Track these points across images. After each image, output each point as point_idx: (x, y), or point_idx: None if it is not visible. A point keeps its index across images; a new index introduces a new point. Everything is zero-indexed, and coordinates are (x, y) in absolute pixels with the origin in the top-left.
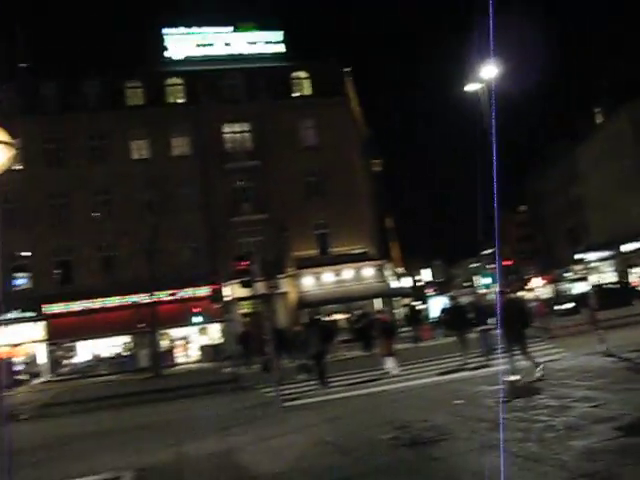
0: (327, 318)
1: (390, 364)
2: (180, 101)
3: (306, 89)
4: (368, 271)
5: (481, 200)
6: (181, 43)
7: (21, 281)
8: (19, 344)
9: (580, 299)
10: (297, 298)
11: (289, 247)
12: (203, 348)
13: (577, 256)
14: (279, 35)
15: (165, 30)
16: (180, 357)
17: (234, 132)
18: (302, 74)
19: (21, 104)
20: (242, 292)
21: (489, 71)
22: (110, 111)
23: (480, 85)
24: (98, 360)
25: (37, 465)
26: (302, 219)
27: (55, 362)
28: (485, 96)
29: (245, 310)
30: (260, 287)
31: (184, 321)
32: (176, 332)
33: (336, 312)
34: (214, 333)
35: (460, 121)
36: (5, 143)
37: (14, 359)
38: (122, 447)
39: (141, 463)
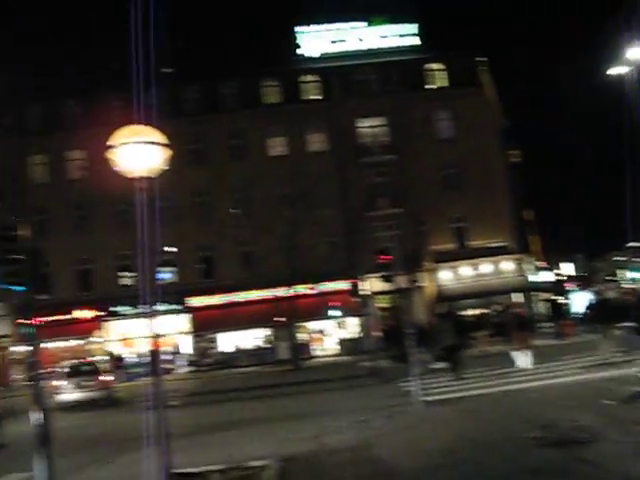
0: (465, 312)
1: (523, 358)
2: (315, 97)
3: (441, 80)
4: (507, 265)
5: (629, 189)
6: (315, 40)
7: (167, 275)
8: (166, 335)
9: None
10: (435, 292)
11: (426, 241)
12: (342, 342)
13: None
14: (414, 28)
15: (298, 28)
16: (317, 350)
17: (369, 127)
18: (436, 65)
19: (166, 107)
20: (380, 286)
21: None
22: (248, 110)
23: (627, 68)
24: (239, 352)
25: (185, 450)
26: (439, 212)
27: (199, 353)
28: (634, 78)
29: (383, 304)
30: (399, 281)
31: (322, 314)
32: (314, 325)
33: (474, 306)
34: (351, 327)
35: (603, 107)
36: (163, 145)
37: (162, 349)
38: (264, 437)
39: (283, 453)
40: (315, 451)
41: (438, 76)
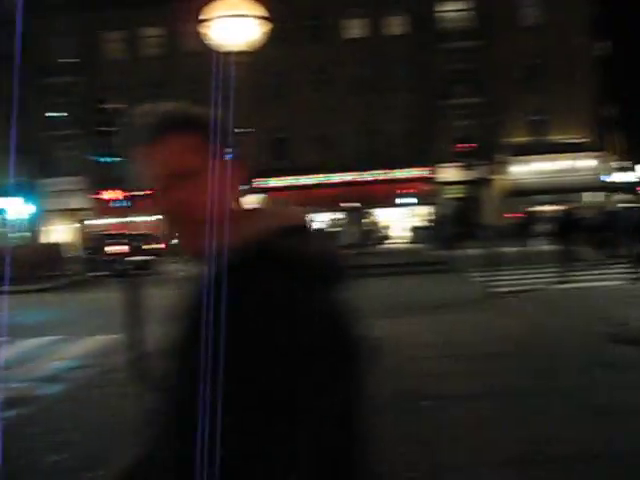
0: (538, 208)
1: None
2: None
3: None
4: (585, 162)
5: None
6: None
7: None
8: None
9: None
10: (507, 185)
11: (503, 132)
12: (414, 229)
13: None
14: None
15: None
16: (388, 236)
17: (451, 10)
18: None
19: None
20: (454, 175)
21: None
22: None
23: None
24: None
25: None
26: (517, 103)
27: None
28: None
29: (455, 194)
30: (474, 171)
31: (394, 201)
32: (385, 212)
33: (548, 203)
34: (424, 215)
35: None
36: (262, 18)
37: None
38: None
39: None
40: (386, 336)
41: None
